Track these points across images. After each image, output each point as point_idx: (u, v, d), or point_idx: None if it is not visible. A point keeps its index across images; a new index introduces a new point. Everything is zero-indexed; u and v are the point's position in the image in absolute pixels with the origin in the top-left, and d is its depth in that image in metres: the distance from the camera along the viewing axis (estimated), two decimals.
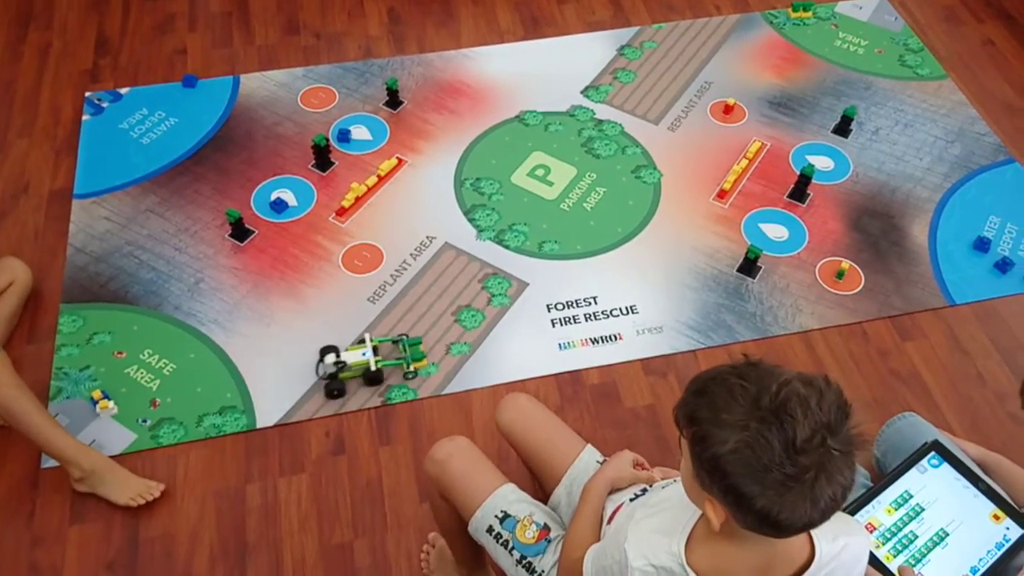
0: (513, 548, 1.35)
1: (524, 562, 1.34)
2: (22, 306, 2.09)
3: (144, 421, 1.94)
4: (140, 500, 1.79)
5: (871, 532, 1.28)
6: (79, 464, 1.77)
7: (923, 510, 1.32)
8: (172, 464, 1.89)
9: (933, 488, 1.34)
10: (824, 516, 0.88)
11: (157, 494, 1.81)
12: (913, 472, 1.35)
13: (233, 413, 1.96)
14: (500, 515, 1.37)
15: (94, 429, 1.92)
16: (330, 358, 1.98)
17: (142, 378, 2.01)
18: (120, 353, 2.06)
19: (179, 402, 1.98)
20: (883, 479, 1.35)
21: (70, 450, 1.77)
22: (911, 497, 1.32)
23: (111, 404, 1.95)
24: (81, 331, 2.09)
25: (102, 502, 1.81)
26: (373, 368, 1.99)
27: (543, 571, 1.33)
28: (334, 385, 1.98)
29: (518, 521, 1.35)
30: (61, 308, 2.13)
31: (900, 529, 1.29)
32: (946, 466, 1.35)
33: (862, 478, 1.40)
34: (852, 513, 1.30)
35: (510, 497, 1.39)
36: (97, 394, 1.95)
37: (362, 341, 2.04)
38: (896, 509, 1.32)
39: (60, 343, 2.07)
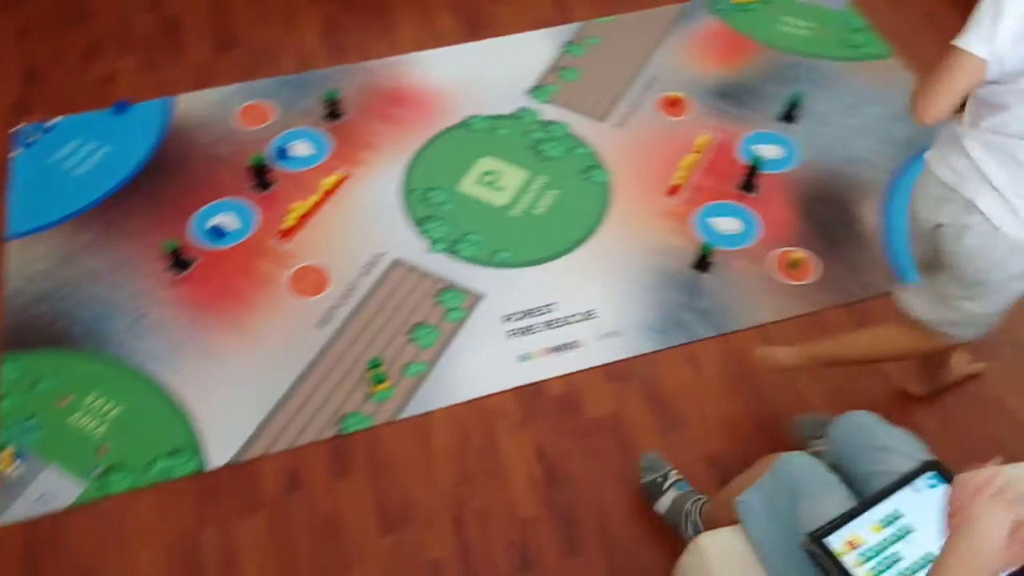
0: None
1: None
2: None
3: (94, 469, 1.88)
4: None
5: (853, 549, 1.24)
6: None
7: (911, 531, 1.27)
8: (123, 513, 1.83)
9: (925, 510, 1.28)
10: None
11: None
12: (907, 491, 1.30)
13: (183, 455, 1.90)
14: None
15: (43, 481, 1.86)
16: None
17: (87, 424, 1.94)
18: (65, 399, 1.99)
19: (127, 447, 1.91)
20: (873, 495, 1.30)
21: None
22: (900, 517, 1.28)
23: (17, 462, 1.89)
24: (24, 378, 2.02)
25: (62, 556, 1.76)
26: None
27: None
28: None
29: None
30: (5, 356, 2.06)
31: (884, 548, 1.25)
32: (944, 487, 1.29)
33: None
34: (837, 527, 1.26)
35: None
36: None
37: None
38: (883, 528, 1.27)
39: (4, 392, 2.00)
